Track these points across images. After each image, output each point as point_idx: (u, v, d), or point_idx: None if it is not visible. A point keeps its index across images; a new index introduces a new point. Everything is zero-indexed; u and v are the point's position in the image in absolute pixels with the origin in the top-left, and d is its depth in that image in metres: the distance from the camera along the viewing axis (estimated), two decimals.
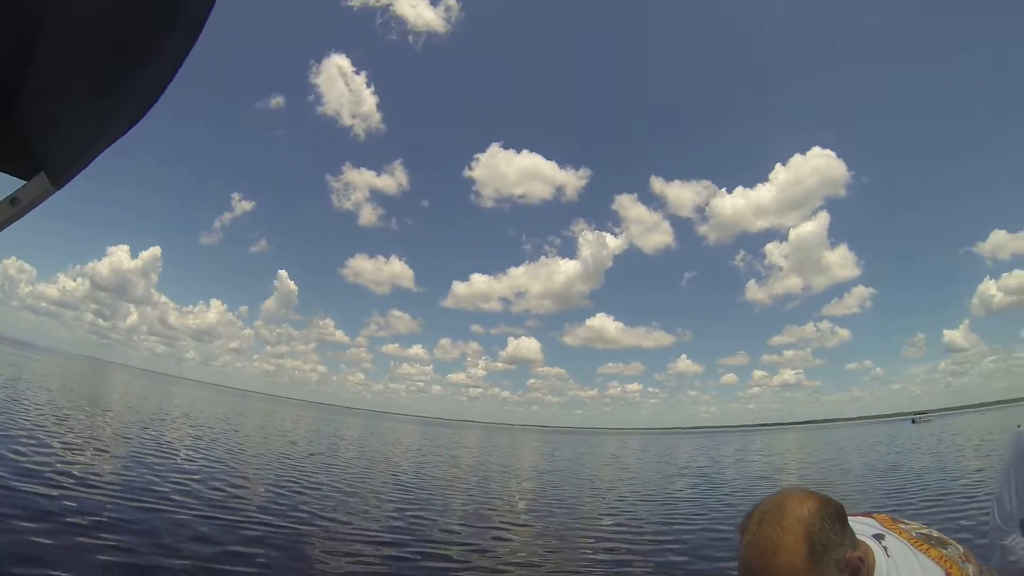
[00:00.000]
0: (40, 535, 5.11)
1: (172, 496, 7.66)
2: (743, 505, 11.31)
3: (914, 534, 1.06)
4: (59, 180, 0.92)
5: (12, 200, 0.92)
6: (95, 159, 0.90)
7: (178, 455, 11.77)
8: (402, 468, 16.40)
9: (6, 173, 0.97)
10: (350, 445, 23.87)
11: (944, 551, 1.00)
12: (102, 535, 5.39)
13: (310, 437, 24.98)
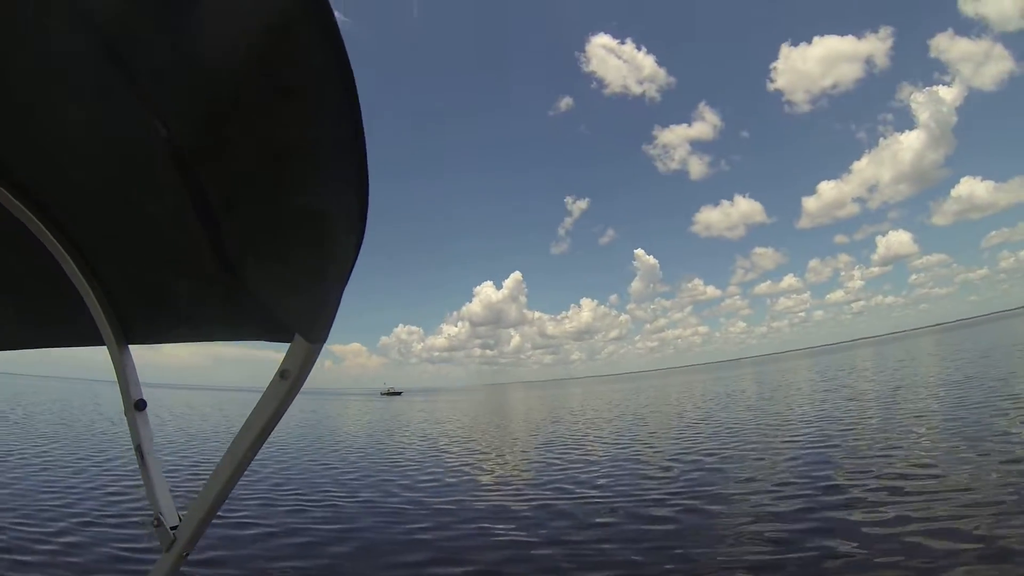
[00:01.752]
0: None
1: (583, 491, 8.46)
2: None
3: None
4: (315, 337, 0.93)
5: (282, 374, 0.95)
6: (339, 303, 0.88)
7: (599, 451, 12.68)
8: (796, 415, 15.62)
9: (268, 340, 1.07)
10: (740, 401, 23.60)
11: None
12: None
13: (695, 403, 25.33)
